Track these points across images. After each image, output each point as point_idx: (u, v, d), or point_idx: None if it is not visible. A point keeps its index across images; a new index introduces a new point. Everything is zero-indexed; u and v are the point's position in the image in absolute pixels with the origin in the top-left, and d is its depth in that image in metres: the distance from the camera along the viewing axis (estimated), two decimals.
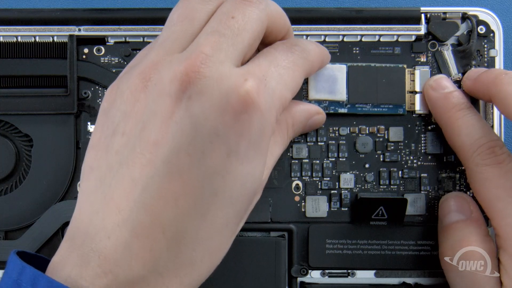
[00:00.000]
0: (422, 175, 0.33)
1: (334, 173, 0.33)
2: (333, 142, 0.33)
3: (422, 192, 0.33)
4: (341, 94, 0.33)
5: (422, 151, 0.33)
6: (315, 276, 0.32)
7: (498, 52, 0.33)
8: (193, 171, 0.21)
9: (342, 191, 0.33)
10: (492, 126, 0.33)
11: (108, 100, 0.24)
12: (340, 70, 0.33)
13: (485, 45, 0.33)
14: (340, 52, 0.33)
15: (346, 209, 0.33)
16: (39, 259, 0.24)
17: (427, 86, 0.32)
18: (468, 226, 0.30)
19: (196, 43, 0.23)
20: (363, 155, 0.33)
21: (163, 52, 0.23)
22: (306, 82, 0.33)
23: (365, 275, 0.32)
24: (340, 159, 0.33)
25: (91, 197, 0.23)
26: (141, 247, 0.21)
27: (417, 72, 0.33)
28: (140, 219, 0.21)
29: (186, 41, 0.24)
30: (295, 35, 0.33)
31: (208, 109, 0.21)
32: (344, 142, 0.33)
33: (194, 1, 0.25)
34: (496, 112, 0.33)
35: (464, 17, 0.33)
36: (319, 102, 0.33)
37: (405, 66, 0.33)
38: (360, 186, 0.33)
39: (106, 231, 0.21)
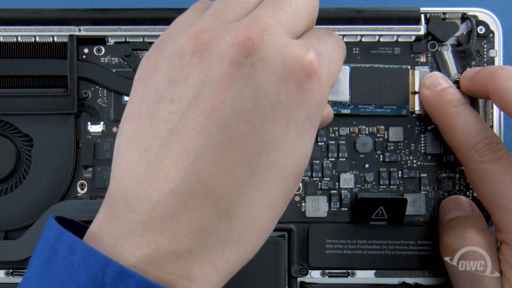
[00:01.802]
0: (422, 175, 0.33)
1: (334, 173, 0.33)
2: (333, 142, 0.33)
3: (422, 192, 0.33)
4: (344, 95, 0.33)
5: (422, 151, 0.33)
6: (315, 276, 0.32)
7: (497, 52, 0.33)
8: (251, 139, 0.20)
9: (342, 191, 0.33)
10: (492, 125, 0.33)
11: (146, 67, 0.23)
12: (343, 71, 0.33)
13: (485, 45, 0.33)
14: None
15: (346, 209, 0.33)
16: (77, 226, 0.23)
17: (421, 84, 0.32)
18: (468, 221, 0.30)
19: (255, 13, 0.22)
20: (363, 155, 0.33)
21: (218, 20, 0.22)
22: None
23: (365, 275, 0.32)
24: (340, 159, 0.33)
25: (133, 167, 0.21)
26: (190, 218, 0.20)
27: (416, 73, 0.33)
28: (191, 188, 0.20)
29: (241, 14, 0.23)
30: None
31: (271, 76, 0.20)
32: (344, 142, 0.33)
33: None
34: (495, 111, 0.33)
35: (464, 17, 0.33)
36: None
37: (408, 67, 0.33)
38: (360, 186, 0.33)
39: (152, 200, 0.20)
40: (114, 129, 0.33)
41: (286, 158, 0.21)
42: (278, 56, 0.21)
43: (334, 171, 0.33)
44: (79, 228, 0.22)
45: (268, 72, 0.21)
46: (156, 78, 0.22)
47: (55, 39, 0.33)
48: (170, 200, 0.20)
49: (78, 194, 0.33)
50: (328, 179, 0.33)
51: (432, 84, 0.32)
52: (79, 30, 0.33)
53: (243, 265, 0.22)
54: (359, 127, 0.33)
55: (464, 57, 0.33)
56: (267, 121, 0.21)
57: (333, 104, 0.33)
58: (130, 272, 0.19)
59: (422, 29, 0.33)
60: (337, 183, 0.33)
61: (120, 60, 0.33)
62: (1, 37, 0.33)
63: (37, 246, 0.21)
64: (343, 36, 0.33)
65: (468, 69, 0.33)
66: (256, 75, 0.20)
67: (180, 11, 0.32)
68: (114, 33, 0.33)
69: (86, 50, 0.33)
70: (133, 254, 0.20)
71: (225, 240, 0.21)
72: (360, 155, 0.33)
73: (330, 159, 0.33)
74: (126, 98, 0.33)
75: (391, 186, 0.33)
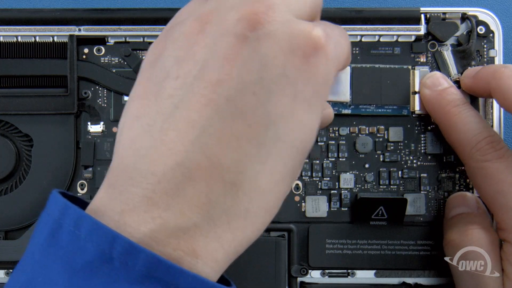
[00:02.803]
0: (422, 175, 0.33)
1: (334, 173, 0.33)
2: (333, 142, 0.33)
3: (422, 192, 0.33)
4: (345, 95, 0.33)
5: (422, 151, 0.33)
6: (315, 276, 0.32)
7: (497, 52, 0.33)
8: (258, 111, 0.20)
9: (342, 191, 0.33)
10: (492, 125, 0.33)
11: (154, 51, 0.23)
12: (343, 72, 0.33)
13: (485, 45, 0.33)
14: None
15: (346, 209, 0.33)
16: (78, 203, 0.22)
17: (421, 84, 0.32)
18: (472, 217, 0.30)
19: None
20: (363, 155, 0.33)
21: (222, 3, 0.22)
22: None
23: (365, 275, 0.32)
24: (340, 159, 0.33)
25: (137, 143, 0.21)
26: (196, 191, 0.20)
27: (416, 72, 0.33)
28: (197, 161, 0.20)
29: None
30: None
31: (277, 50, 0.20)
32: (344, 142, 0.33)
33: None
34: (495, 110, 0.33)
35: (464, 17, 0.33)
36: None
37: (409, 67, 0.33)
38: (360, 186, 0.33)
39: (156, 174, 0.20)
40: (114, 129, 0.33)
41: (293, 132, 0.21)
42: (284, 31, 0.21)
43: (334, 171, 0.33)
44: (80, 206, 0.22)
45: (274, 46, 0.20)
46: (163, 58, 0.22)
47: (55, 39, 0.33)
48: (176, 173, 0.20)
49: (78, 194, 0.33)
50: (328, 179, 0.33)
51: (433, 84, 0.32)
52: (79, 30, 0.33)
53: (249, 244, 0.22)
54: (359, 127, 0.33)
55: (464, 57, 0.33)
56: (273, 94, 0.20)
57: (334, 104, 0.33)
58: (139, 248, 0.19)
59: (422, 29, 0.33)
60: (337, 183, 0.33)
61: (120, 60, 0.33)
62: (1, 37, 0.33)
63: (40, 220, 0.21)
64: None
65: (469, 68, 0.33)
66: (261, 48, 0.20)
67: None
68: (114, 33, 0.33)
69: (86, 50, 0.33)
70: (138, 230, 0.19)
71: (232, 214, 0.21)
72: (360, 155, 0.33)
73: (330, 159, 0.33)
74: (126, 98, 0.33)
75: (391, 186, 0.33)
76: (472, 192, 0.33)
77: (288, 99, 0.21)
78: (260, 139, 0.20)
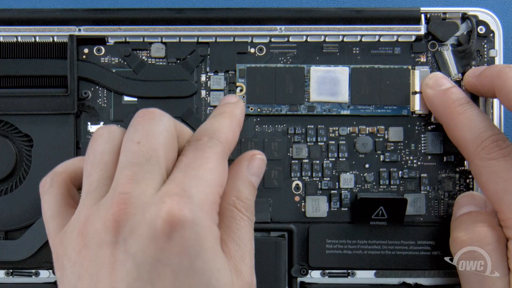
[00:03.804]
0: (422, 175, 0.33)
1: (334, 173, 0.33)
2: (333, 142, 0.33)
3: (422, 192, 0.33)
4: (343, 96, 0.33)
5: (422, 151, 0.33)
6: (315, 276, 0.32)
7: (498, 52, 0.33)
8: None
9: (342, 191, 0.33)
10: None
11: (58, 268, 0.25)
12: (342, 72, 0.33)
13: (485, 45, 0.33)
14: (340, 52, 0.33)
15: (346, 209, 0.33)
16: None
17: (424, 84, 0.32)
18: (480, 216, 0.30)
19: (115, 183, 0.24)
20: (363, 155, 0.33)
21: (90, 203, 0.24)
22: (308, 85, 0.33)
23: (365, 275, 0.32)
24: (340, 159, 0.33)
25: None
26: None
27: (417, 73, 0.33)
28: None
29: (106, 185, 0.24)
30: (295, 35, 0.33)
31: (143, 242, 0.22)
32: (344, 142, 0.33)
33: (98, 145, 0.25)
34: (496, 109, 0.33)
35: (464, 17, 0.33)
36: (320, 104, 0.33)
37: (409, 67, 0.33)
38: (360, 186, 0.33)
39: None
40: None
41: None
42: (142, 222, 0.22)
43: (334, 171, 0.33)
44: None
45: (139, 240, 0.22)
46: (68, 276, 0.24)
47: (55, 39, 0.33)
48: None
49: None
50: (328, 179, 0.33)
51: (435, 84, 0.32)
52: (79, 30, 0.33)
53: None
54: (359, 127, 0.33)
55: (464, 57, 0.33)
56: (155, 282, 0.22)
57: (333, 105, 0.33)
58: None
59: (422, 29, 0.33)
60: (337, 183, 0.33)
61: (120, 60, 0.33)
62: (1, 37, 0.33)
63: None
64: (343, 36, 0.33)
65: (473, 67, 0.33)
66: (130, 248, 0.22)
67: (180, 11, 0.32)
68: (114, 33, 0.33)
69: (86, 50, 0.33)
70: None
71: None
72: (360, 155, 0.33)
73: (330, 159, 0.33)
74: (126, 98, 0.33)
75: (391, 186, 0.33)
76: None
77: (169, 279, 0.22)
78: None
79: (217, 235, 0.24)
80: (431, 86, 0.32)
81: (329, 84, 0.33)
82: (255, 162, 0.28)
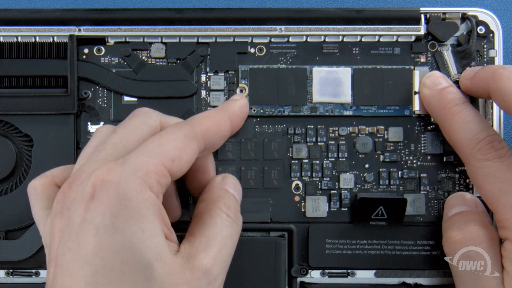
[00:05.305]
0: (421, 175, 0.33)
1: (334, 173, 0.33)
2: (333, 142, 0.33)
3: (421, 192, 0.33)
4: (346, 96, 0.33)
5: (422, 151, 0.33)
6: (315, 276, 0.33)
7: (497, 52, 0.33)
8: (77, 260, 0.23)
9: (342, 191, 0.33)
10: (492, 124, 0.33)
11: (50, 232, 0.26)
12: (344, 73, 0.33)
13: (485, 45, 0.33)
14: (340, 52, 0.33)
15: (346, 209, 0.33)
16: None
17: (421, 84, 0.32)
18: (472, 215, 0.30)
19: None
20: (362, 155, 0.33)
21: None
22: (310, 86, 0.33)
23: (365, 275, 0.32)
24: (340, 159, 0.33)
25: None
26: None
27: (416, 73, 0.33)
28: None
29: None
30: (295, 35, 0.33)
31: (75, 205, 0.24)
32: (344, 142, 0.33)
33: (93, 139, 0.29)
34: (495, 110, 0.33)
35: (464, 17, 0.33)
36: (323, 105, 0.33)
37: (412, 67, 0.33)
38: (360, 186, 0.33)
39: None
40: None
41: (111, 256, 0.24)
42: (79, 189, 0.25)
43: (334, 171, 0.33)
44: None
45: (74, 205, 0.24)
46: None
47: (55, 39, 0.33)
48: None
49: None
50: (328, 179, 0.33)
51: (432, 84, 0.32)
52: (79, 30, 0.33)
53: None
54: (359, 127, 0.33)
55: (464, 57, 0.33)
56: (80, 239, 0.24)
57: (335, 105, 0.33)
58: None
59: (422, 29, 0.33)
60: (337, 183, 0.33)
61: (120, 60, 0.33)
62: (1, 37, 0.33)
63: None
64: (343, 36, 0.33)
65: (468, 68, 0.33)
66: (68, 213, 0.24)
67: (180, 11, 0.32)
68: (114, 33, 0.33)
69: (86, 50, 0.33)
70: None
71: None
72: (360, 155, 0.33)
73: (330, 159, 0.33)
74: (126, 98, 0.33)
75: (391, 186, 0.33)
76: (472, 192, 0.33)
77: (92, 237, 0.23)
78: None
79: (151, 201, 0.24)
80: (428, 85, 0.32)
81: (332, 85, 0.33)
82: (228, 179, 0.30)
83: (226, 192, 0.29)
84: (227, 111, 0.31)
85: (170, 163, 0.26)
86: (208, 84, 0.33)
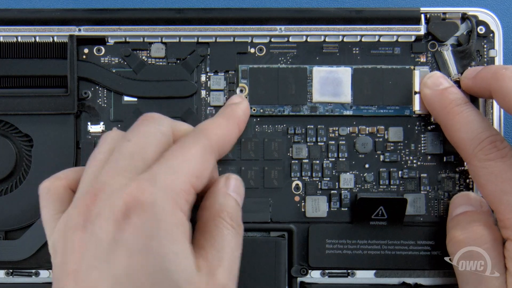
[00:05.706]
0: (421, 175, 0.33)
1: (334, 173, 0.33)
2: (333, 142, 0.33)
3: (422, 192, 0.33)
4: (346, 96, 0.33)
5: (422, 151, 0.33)
6: (315, 276, 0.32)
7: (497, 52, 0.33)
8: (106, 280, 0.23)
9: (342, 191, 0.33)
10: (492, 124, 0.33)
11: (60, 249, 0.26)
12: (344, 73, 0.33)
13: (485, 45, 0.33)
14: (340, 52, 0.33)
15: (346, 209, 0.33)
16: None
17: (422, 84, 0.32)
18: (476, 215, 0.30)
19: (98, 176, 0.26)
20: (362, 155, 0.33)
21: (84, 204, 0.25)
22: (310, 85, 0.33)
23: (365, 275, 0.32)
24: (340, 159, 0.33)
25: None
26: None
27: (416, 73, 0.33)
28: None
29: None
30: (295, 35, 0.33)
31: (104, 223, 0.23)
32: (344, 142, 0.33)
33: (100, 147, 0.27)
34: (496, 110, 0.33)
35: (464, 17, 0.33)
36: (323, 104, 0.33)
37: (412, 67, 0.33)
38: (360, 186, 0.33)
39: None
40: (114, 129, 0.33)
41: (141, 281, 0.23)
42: (107, 205, 0.24)
43: (334, 171, 0.33)
44: None
45: (102, 222, 0.23)
46: (54, 262, 0.25)
47: (55, 39, 0.33)
48: None
49: None
50: (328, 179, 0.33)
51: (433, 84, 0.32)
52: (79, 30, 0.33)
53: None
54: (359, 127, 0.33)
55: (464, 57, 0.33)
56: (111, 260, 0.23)
57: (335, 105, 0.33)
58: None
59: (422, 29, 0.33)
60: (337, 183, 0.33)
61: (120, 60, 0.33)
62: (1, 37, 0.33)
63: None
64: (343, 36, 0.33)
65: (469, 68, 0.33)
66: (94, 229, 0.23)
67: (180, 11, 0.32)
68: (114, 33, 0.33)
69: (86, 50, 0.33)
70: None
71: None
72: (360, 155, 0.33)
73: (330, 159, 0.33)
74: (126, 98, 0.33)
75: (391, 186, 0.33)
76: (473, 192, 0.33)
77: (124, 258, 0.23)
78: None
79: (182, 222, 0.24)
80: (429, 85, 0.32)
81: (332, 84, 0.33)
82: (231, 181, 0.29)
83: (229, 199, 0.28)
84: (235, 118, 0.31)
85: (195, 180, 0.25)
86: (208, 84, 0.33)
